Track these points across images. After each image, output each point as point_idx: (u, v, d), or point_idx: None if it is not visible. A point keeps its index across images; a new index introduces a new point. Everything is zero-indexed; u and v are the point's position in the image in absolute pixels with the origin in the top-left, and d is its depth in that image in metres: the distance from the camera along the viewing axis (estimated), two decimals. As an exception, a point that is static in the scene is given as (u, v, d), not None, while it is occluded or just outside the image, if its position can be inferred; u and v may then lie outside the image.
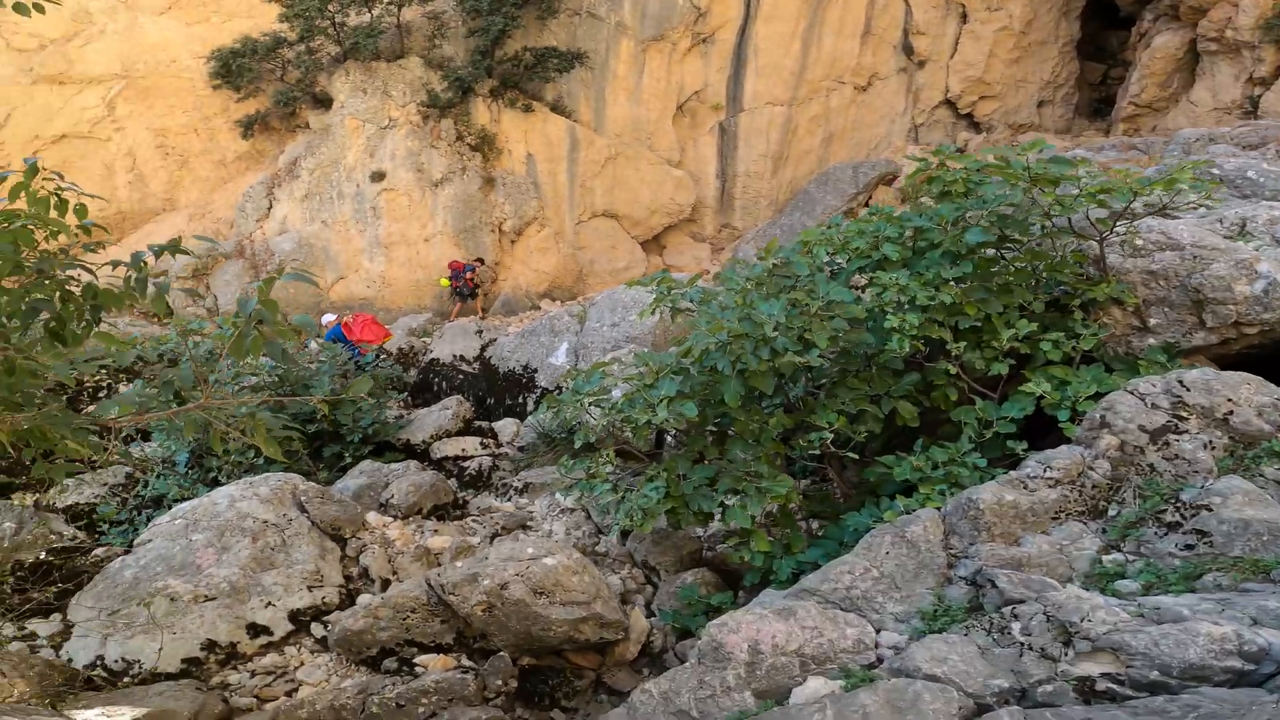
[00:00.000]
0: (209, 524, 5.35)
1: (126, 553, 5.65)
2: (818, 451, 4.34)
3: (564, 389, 7.43)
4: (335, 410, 7.64)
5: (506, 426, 9.34)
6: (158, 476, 7.33)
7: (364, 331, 11.02)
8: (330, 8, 15.31)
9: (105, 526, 6.94)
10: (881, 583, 3.52)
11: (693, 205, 19.38)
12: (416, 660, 4.32)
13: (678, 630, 4.59)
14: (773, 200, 19.90)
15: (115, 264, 3.79)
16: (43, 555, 6.18)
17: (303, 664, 4.50)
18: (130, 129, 16.84)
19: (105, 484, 8.10)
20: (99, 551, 6.27)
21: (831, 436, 4.33)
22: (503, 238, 17.21)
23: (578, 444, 4.97)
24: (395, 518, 5.93)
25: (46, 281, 3.73)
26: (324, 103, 16.40)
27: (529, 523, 6.07)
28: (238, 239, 16.14)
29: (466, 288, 15.70)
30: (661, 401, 4.43)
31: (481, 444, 7.98)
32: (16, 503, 6.62)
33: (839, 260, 5.08)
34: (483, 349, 14.71)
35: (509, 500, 6.82)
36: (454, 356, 13.96)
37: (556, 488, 5.29)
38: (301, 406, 7.47)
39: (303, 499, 5.61)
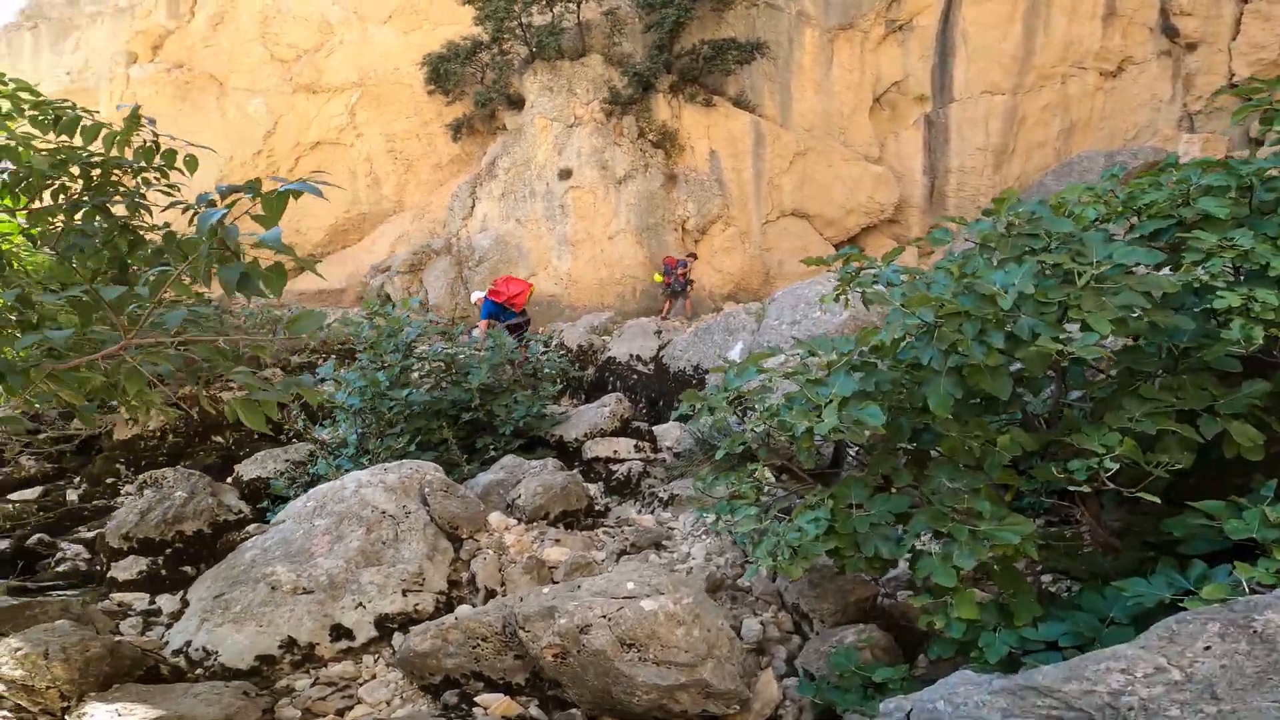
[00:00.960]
0: (333, 509, 4.90)
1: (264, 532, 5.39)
2: (1079, 487, 2.87)
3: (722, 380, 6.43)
4: (490, 400, 7.13)
5: (670, 430, 8.43)
6: (331, 455, 7.20)
7: (508, 287, 10.79)
8: (515, 8, 15.40)
9: (268, 503, 6.88)
10: (1186, 691, 2.12)
11: (895, 204, 17.62)
12: (478, 698, 3.47)
13: (819, 707, 3.35)
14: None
15: (183, 206, 3.31)
16: (205, 528, 6.14)
17: (373, 677, 3.83)
18: (367, 135, 18.02)
19: (289, 459, 8.20)
20: (250, 529, 6.12)
21: (1115, 467, 2.89)
22: (685, 236, 16.45)
23: (720, 455, 3.90)
24: (519, 520, 5.18)
25: (96, 217, 3.34)
26: (517, 104, 16.60)
27: (665, 541, 5.06)
28: (447, 237, 16.71)
29: (679, 283, 15.07)
30: (831, 403, 3.24)
31: (636, 447, 7.11)
32: (194, 473, 6.68)
33: (1116, 227, 3.53)
34: (660, 349, 13.96)
35: (651, 512, 5.87)
36: (630, 356, 13.33)
37: (699, 504, 4.24)
38: (461, 394, 7.03)
39: (426, 491, 5.01)
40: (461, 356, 7.39)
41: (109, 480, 10.18)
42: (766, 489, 3.81)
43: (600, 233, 15.77)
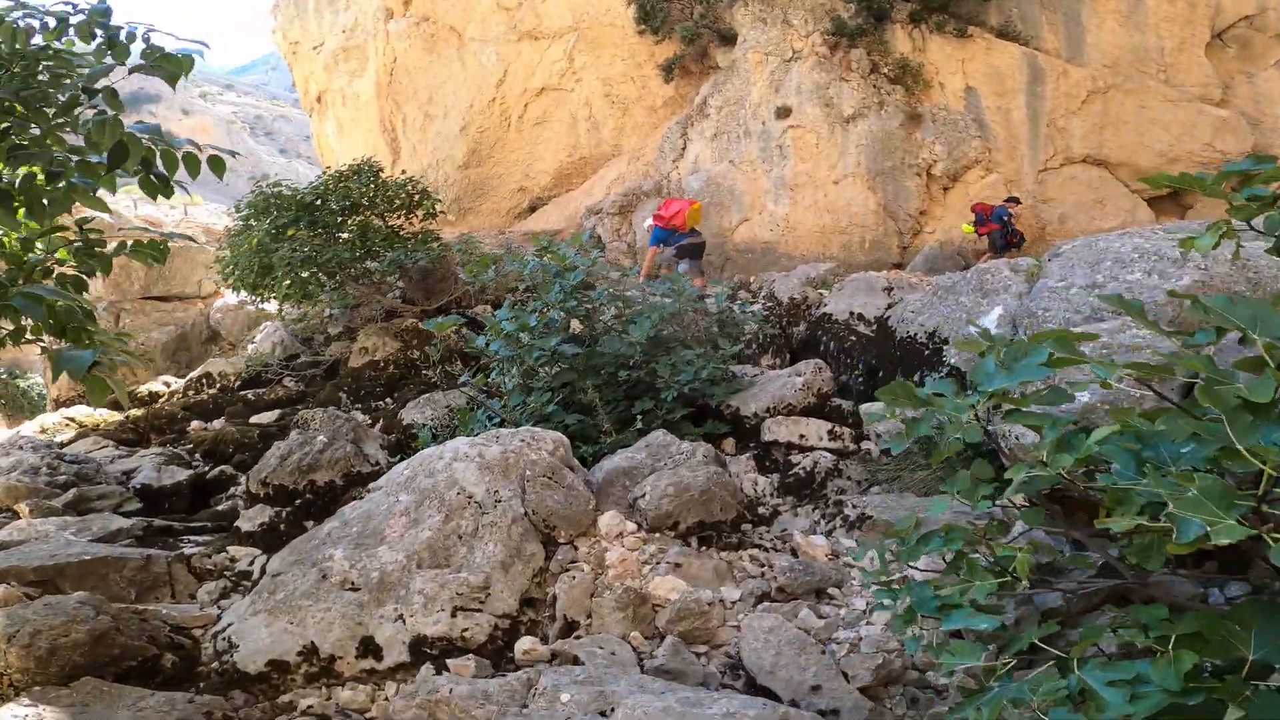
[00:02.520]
0: (421, 483, 3.90)
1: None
2: None
3: (975, 367, 4.68)
4: (657, 357, 5.80)
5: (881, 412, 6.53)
6: (476, 408, 6.37)
7: (668, 208, 10.03)
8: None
9: (407, 455, 6.19)
10: None
11: (1245, 155, 13.60)
12: None
13: None
14: None
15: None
16: (338, 479, 5.55)
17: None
18: (585, 79, 17.41)
19: (448, 405, 7.54)
20: (371, 485, 5.40)
21: None
22: (931, 183, 13.79)
23: (950, 494, 2.20)
24: (639, 526, 3.80)
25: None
26: (729, 39, 14.88)
27: (833, 590, 3.37)
28: (657, 179, 15.63)
29: (1000, 236, 12.48)
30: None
31: (830, 433, 5.40)
32: (341, 415, 6.15)
33: None
34: (887, 308, 11.82)
35: (828, 533, 4.17)
36: (849, 313, 11.30)
37: (898, 535, 2.53)
38: (622, 348, 5.79)
39: (528, 474, 3.81)
40: (633, 302, 6.14)
41: (330, 408, 10.44)
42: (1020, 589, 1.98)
43: (823, 176, 13.67)
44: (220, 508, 6.12)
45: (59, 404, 15.02)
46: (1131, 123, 14.24)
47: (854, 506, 4.26)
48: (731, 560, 3.85)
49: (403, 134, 19.07)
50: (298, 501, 5.36)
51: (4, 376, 24.99)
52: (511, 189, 18.24)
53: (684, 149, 15.34)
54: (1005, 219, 12.49)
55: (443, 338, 8.17)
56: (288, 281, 10.50)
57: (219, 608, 4.24)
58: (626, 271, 6.41)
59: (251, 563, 4.70)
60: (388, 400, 10.18)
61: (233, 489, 6.59)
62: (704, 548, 3.94)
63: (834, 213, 13.54)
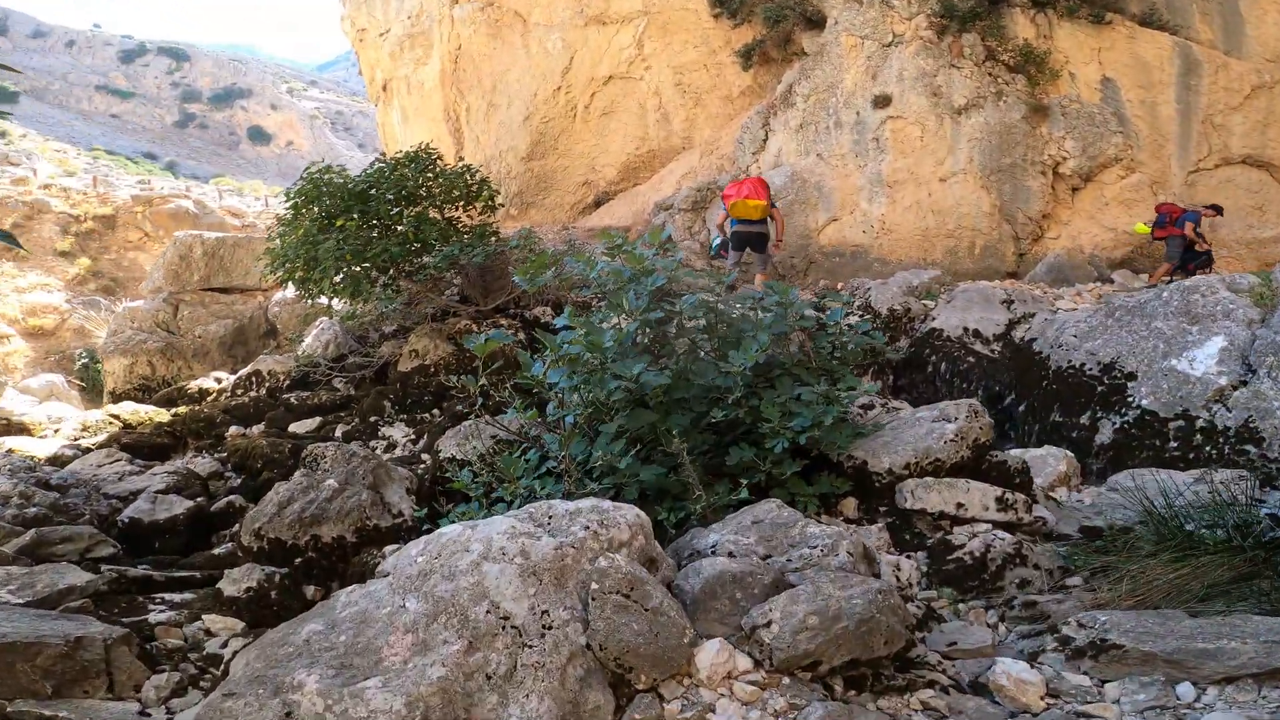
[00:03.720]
0: (436, 587, 2.62)
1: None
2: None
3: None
4: (761, 391, 4.41)
5: (1050, 463, 5.01)
6: (526, 450, 5.05)
7: (739, 193, 9.07)
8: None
9: (441, 503, 4.93)
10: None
11: None
12: None
13: None
14: None
15: None
16: (349, 534, 4.34)
17: None
18: (655, 67, 16.15)
19: (494, 438, 6.25)
20: (388, 549, 4.17)
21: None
22: (1059, 182, 11.97)
23: None
24: (756, 663, 2.42)
25: None
26: (817, 23, 13.30)
27: None
28: (735, 173, 14.21)
29: (1178, 245, 10.47)
30: None
31: (1000, 501, 3.94)
32: (356, 453, 4.95)
33: None
34: (1009, 326, 10.14)
35: (1037, 662, 2.72)
36: (963, 330, 9.72)
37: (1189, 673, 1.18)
38: (712, 378, 4.41)
39: (594, 586, 2.48)
40: (730, 315, 4.77)
41: (372, 418, 9.40)
42: None
43: (928, 173, 11.99)
44: (219, 550, 5.01)
45: (115, 396, 14.53)
46: (1304, 117, 12.18)
47: (1082, 625, 2.77)
48: (896, 712, 2.47)
49: (466, 123, 18.13)
50: (298, 560, 4.18)
51: (85, 361, 25.14)
52: (576, 182, 17.08)
53: (765, 141, 13.88)
54: (1188, 224, 10.52)
55: (490, 357, 6.92)
56: (337, 276, 9.53)
57: (167, 710, 3.08)
58: (721, 279, 5.03)
59: (225, 644, 3.52)
60: (435, 412, 9.06)
61: (238, 525, 5.50)
62: (853, 692, 2.55)
63: (939, 214, 11.85)
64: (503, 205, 11.13)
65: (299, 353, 11.69)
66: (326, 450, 4.71)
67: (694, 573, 2.78)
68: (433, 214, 9.93)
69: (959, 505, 3.94)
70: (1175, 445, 4.94)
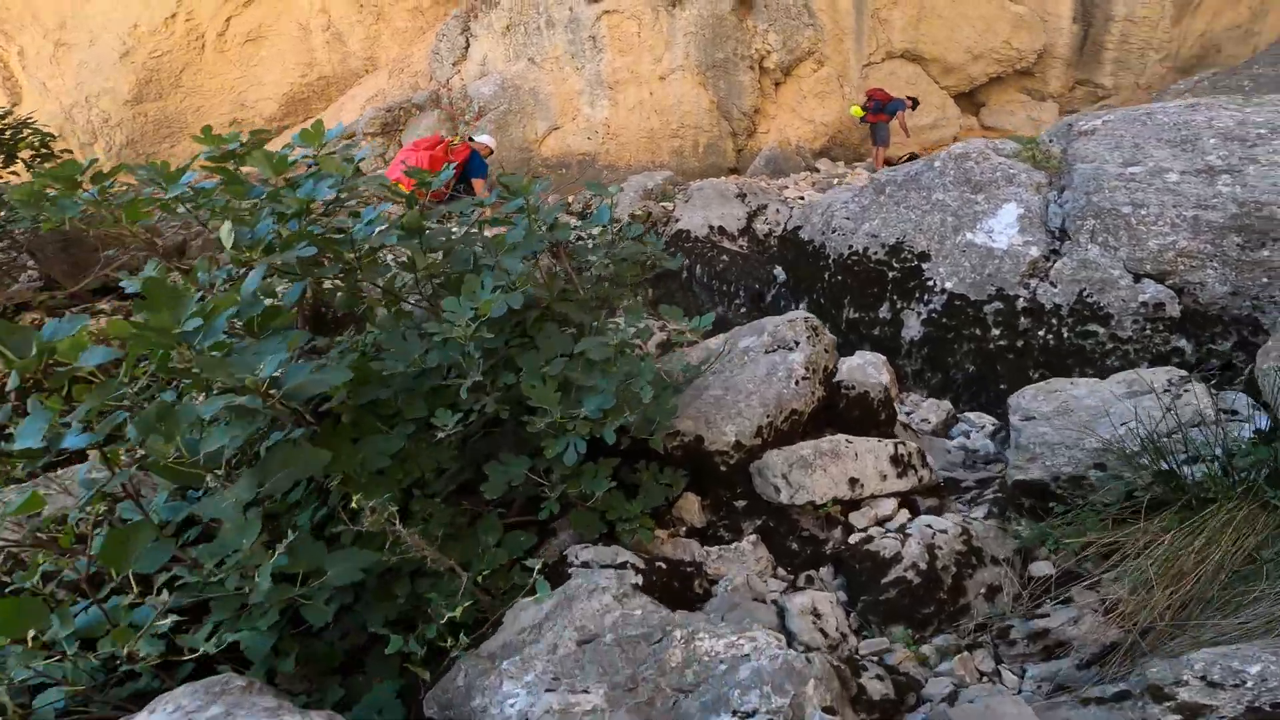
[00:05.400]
0: None
1: None
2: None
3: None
4: (511, 367, 2.39)
5: (871, 373, 3.75)
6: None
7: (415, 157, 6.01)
8: None
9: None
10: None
11: (1037, 53, 12.93)
12: None
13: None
14: (1171, 54, 13.06)
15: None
16: None
17: None
18: (320, -20, 12.65)
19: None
20: None
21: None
22: (764, 77, 11.22)
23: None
24: None
25: None
26: None
27: None
28: (433, 89, 11.56)
29: (885, 129, 10.90)
30: None
31: (895, 462, 2.55)
32: None
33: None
34: (750, 218, 9.22)
35: None
36: (709, 228, 8.61)
37: None
38: (421, 353, 2.29)
39: None
40: (441, 242, 2.70)
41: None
42: None
43: (648, 71, 10.55)
44: None
45: None
46: (946, 16, 12.72)
47: (1213, 684, 1.38)
48: None
49: (21, 70, 12.95)
50: None
51: None
52: (219, 123, 13.14)
53: (467, 49, 11.41)
54: (899, 113, 10.64)
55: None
56: None
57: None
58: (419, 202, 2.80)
59: None
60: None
61: None
62: None
63: (663, 113, 10.53)
64: (97, 159, 7.52)
65: None
66: None
67: None
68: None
69: (852, 482, 2.47)
70: (1000, 334, 4.03)
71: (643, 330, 2.69)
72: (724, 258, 7.69)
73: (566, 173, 10.68)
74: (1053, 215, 4.25)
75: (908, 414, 4.00)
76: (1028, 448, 2.58)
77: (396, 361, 2.18)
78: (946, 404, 4.00)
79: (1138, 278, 3.58)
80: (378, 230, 2.25)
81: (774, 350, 2.96)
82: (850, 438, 2.67)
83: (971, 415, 4.02)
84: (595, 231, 3.32)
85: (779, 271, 7.10)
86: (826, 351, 3.03)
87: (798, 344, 2.94)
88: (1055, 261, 3.97)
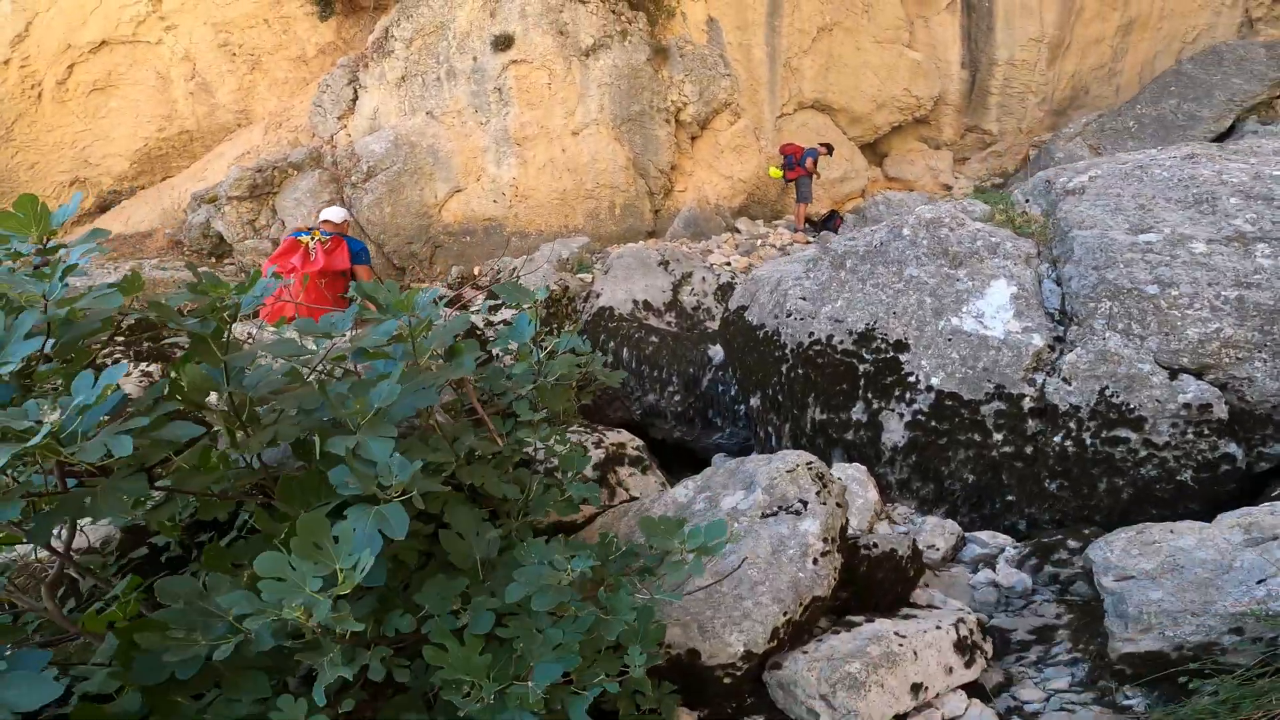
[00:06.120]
0: None
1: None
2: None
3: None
4: (410, 606, 1.49)
5: (855, 490, 3.09)
6: None
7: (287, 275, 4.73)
8: None
9: None
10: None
11: (934, 99, 13.34)
12: None
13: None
14: (1046, 97, 13.75)
15: None
16: None
17: None
18: (185, 26, 11.38)
19: None
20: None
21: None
22: (680, 130, 10.79)
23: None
24: None
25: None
26: None
27: None
28: (314, 145, 10.45)
29: (808, 183, 10.66)
30: None
31: (959, 648, 1.75)
32: None
33: None
34: (675, 289, 8.66)
35: None
36: (634, 303, 7.93)
37: None
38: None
39: None
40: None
41: None
42: None
43: (559, 126, 9.88)
44: None
45: None
46: (851, 64, 12.87)
47: None
48: None
49: None
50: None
51: None
52: (57, 182, 11.57)
53: (354, 100, 10.43)
54: (809, 161, 10.40)
55: None
56: None
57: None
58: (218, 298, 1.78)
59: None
60: None
61: None
62: None
63: (576, 172, 9.85)
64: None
65: None
66: None
67: None
68: None
69: (915, 689, 1.71)
70: (1004, 439, 3.40)
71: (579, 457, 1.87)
72: (653, 338, 6.95)
73: (471, 240, 9.77)
74: (1048, 293, 3.72)
75: (904, 533, 3.30)
76: (1139, 619, 1.88)
77: (176, 652, 1.21)
78: (953, 525, 3.31)
79: (1174, 373, 3.04)
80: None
81: (774, 514, 2.16)
82: (900, 629, 1.91)
83: (983, 535, 3.35)
84: (513, 348, 2.48)
85: (715, 351, 6.39)
86: (839, 506, 2.25)
87: (805, 504, 2.16)
88: (1065, 352, 3.41)
